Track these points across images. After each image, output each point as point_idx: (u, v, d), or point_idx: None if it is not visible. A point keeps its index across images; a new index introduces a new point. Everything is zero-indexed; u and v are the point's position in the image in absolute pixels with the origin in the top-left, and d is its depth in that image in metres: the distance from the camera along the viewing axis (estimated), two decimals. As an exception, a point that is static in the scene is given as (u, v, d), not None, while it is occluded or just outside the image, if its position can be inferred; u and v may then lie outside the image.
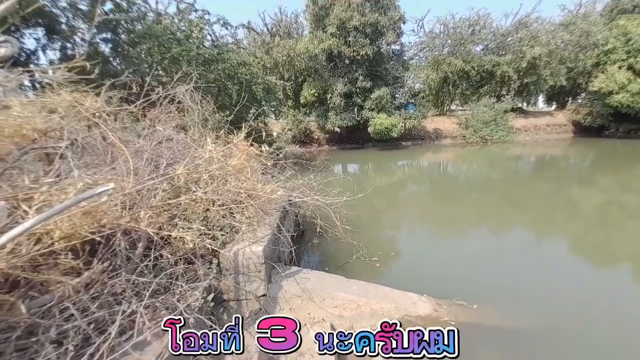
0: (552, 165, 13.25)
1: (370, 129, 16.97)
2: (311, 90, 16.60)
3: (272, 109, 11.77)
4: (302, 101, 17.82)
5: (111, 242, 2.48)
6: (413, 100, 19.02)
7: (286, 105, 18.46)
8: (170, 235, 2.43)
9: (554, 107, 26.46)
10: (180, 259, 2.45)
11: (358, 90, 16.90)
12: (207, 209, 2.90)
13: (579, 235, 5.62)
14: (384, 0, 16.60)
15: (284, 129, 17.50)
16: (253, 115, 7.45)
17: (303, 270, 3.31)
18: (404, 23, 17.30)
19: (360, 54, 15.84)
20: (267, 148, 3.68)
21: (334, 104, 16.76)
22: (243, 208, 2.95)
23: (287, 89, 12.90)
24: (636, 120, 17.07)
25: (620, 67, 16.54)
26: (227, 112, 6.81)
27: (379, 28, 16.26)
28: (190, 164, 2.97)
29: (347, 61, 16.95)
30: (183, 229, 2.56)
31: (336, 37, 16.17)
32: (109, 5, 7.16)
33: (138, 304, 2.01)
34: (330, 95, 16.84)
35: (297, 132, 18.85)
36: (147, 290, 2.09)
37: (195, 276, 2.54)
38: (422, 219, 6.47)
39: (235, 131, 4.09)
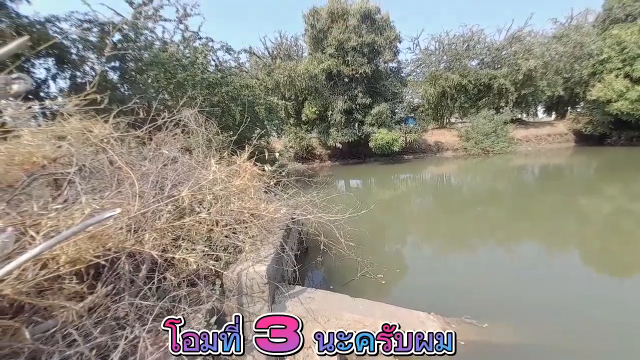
0: (556, 175, 13.16)
1: (371, 144, 17.13)
2: (312, 108, 16.96)
3: (274, 128, 12.00)
4: (303, 119, 18.17)
5: (115, 265, 2.50)
6: (413, 115, 19.28)
7: (288, 123, 18.80)
8: (174, 257, 2.44)
9: (553, 117, 26.63)
10: (184, 280, 2.45)
11: (358, 106, 17.23)
12: (211, 230, 2.92)
13: (588, 246, 5.51)
14: (379, 22, 17.26)
15: (286, 146, 17.74)
16: (257, 135, 7.61)
17: (307, 289, 3.27)
18: (399, 42, 17.89)
19: (359, 72, 16.29)
20: (270, 167, 3.72)
21: (335, 120, 17.05)
22: (246, 228, 2.96)
23: (289, 107, 13.21)
24: (638, 128, 17.07)
25: (617, 76, 16.75)
26: (231, 133, 6.98)
27: (376, 47, 16.80)
28: (194, 185, 3.03)
29: (346, 79, 17.41)
30: (187, 250, 2.57)
31: (335, 57, 16.70)
32: (117, 36, 7.55)
33: (141, 328, 2.00)
34: (331, 112, 17.17)
35: (299, 149, 19.09)
36: (150, 315, 2.09)
37: (198, 298, 2.52)
38: (427, 233, 6.39)
39: (238, 151, 4.20)
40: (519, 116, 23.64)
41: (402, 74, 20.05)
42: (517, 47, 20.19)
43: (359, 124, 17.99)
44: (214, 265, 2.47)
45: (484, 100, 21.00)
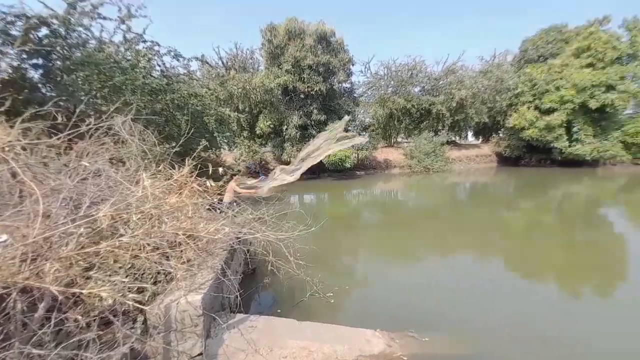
0: (483, 191, 14.97)
1: (325, 160, 17.47)
2: (267, 122, 16.79)
3: (225, 140, 11.50)
4: (257, 132, 17.83)
5: (4, 304, 2.02)
6: (364, 133, 20.34)
7: (241, 136, 18.28)
8: (82, 292, 2.04)
9: (480, 140, 30.58)
10: (95, 319, 2.05)
11: (313, 122, 17.56)
12: (136, 256, 2.56)
13: (513, 254, 6.20)
14: (334, 44, 18.13)
15: (237, 159, 17.14)
16: (202, 146, 7.16)
17: (249, 317, 3.03)
18: (352, 65, 18.97)
19: (314, 89, 16.74)
20: (212, 184, 3.45)
21: (290, 135, 17.08)
22: (181, 251, 2.66)
23: (242, 120, 12.84)
24: (544, 151, 20.48)
25: (528, 107, 20.04)
26: (174, 144, 6.44)
27: (331, 68, 17.53)
28: (119, 202, 2.65)
29: (302, 96, 17.71)
30: (102, 281, 2.18)
31: (291, 73, 16.95)
32: (45, 31, 6.59)
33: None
34: (286, 127, 17.18)
35: (252, 163, 18.55)
36: (44, 367, 1.69)
37: (114, 340, 2.13)
38: (375, 248, 6.59)
39: (182, 164, 3.84)
40: (453, 139, 26.59)
41: (354, 95, 21.15)
42: (451, 78, 22.94)
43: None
44: (133, 300, 2.12)
45: (425, 123, 23.20)
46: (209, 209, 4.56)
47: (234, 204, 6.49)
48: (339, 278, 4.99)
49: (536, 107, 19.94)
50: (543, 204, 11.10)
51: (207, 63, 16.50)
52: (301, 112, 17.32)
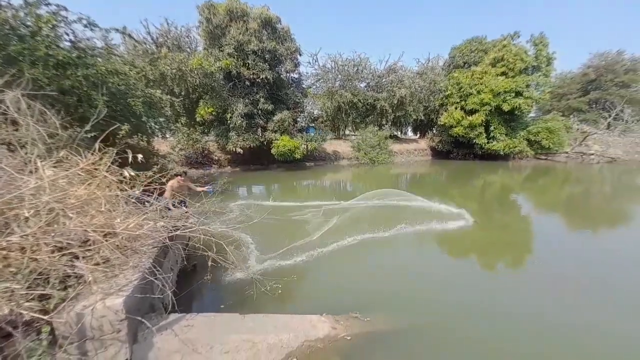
0: (421, 181, 16.50)
1: (274, 150, 17.09)
2: (208, 108, 15.57)
3: (158, 126, 10.32)
4: (198, 119, 16.45)
5: None
6: (313, 125, 20.45)
7: (179, 122, 16.64)
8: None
9: (417, 135, 33.47)
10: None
11: (260, 112, 16.94)
12: (34, 259, 2.09)
13: (443, 236, 6.92)
14: (280, 32, 17.61)
15: (174, 148, 15.65)
16: (123, 131, 6.30)
17: (185, 316, 2.78)
18: (300, 55, 18.71)
19: (261, 77, 16.08)
20: (131, 173, 3.02)
21: (235, 124, 16.19)
22: (95, 251, 2.25)
23: (177, 104, 11.60)
24: (469, 147, 23.39)
25: (456, 108, 22.54)
26: (90, 129, 5.54)
27: (277, 56, 17.02)
28: (3, 195, 2.12)
29: (247, 83, 16.86)
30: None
31: (234, 57, 15.97)
32: None
33: None
34: (230, 115, 16.21)
35: (192, 153, 17.16)
36: None
37: (16, 353, 1.72)
38: (322, 236, 6.69)
39: (101, 151, 3.26)
40: (395, 133, 28.56)
41: (303, 85, 21.00)
42: (393, 77, 24.39)
43: (261, 130, 17.69)
44: (29, 309, 1.73)
45: (370, 117, 24.34)
46: (138, 202, 4.03)
47: (183, 203, 5.89)
48: (286, 270, 4.94)
49: (462, 108, 22.54)
50: (466, 192, 12.75)
51: (132, 37, 14.48)
52: (247, 100, 16.52)
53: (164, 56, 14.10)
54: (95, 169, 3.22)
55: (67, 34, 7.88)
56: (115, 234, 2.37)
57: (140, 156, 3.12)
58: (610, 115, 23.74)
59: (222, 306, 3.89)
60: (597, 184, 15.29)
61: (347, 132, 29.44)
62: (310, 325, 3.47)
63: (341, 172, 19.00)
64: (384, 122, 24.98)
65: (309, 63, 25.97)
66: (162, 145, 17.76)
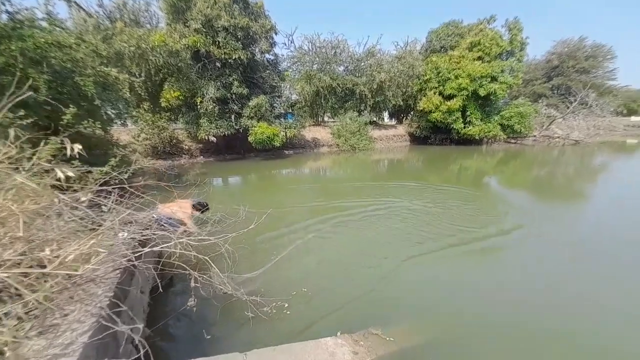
0: (401, 166, 16.40)
1: (251, 138, 15.89)
2: (174, 92, 13.90)
3: (116, 111, 8.85)
4: (163, 104, 14.72)
5: None
6: (291, 110, 19.36)
7: (141, 107, 14.81)
8: None
9: (394, 121, 33.46)
10: None
11: (234, 96, 15.52)
12: None
13: (432, 217, 6.53)
14: (253, 7, 16.05)
15: (137, 136, 13.94)
16: (69, 116, 5.11)
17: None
18: (275, 34, 17.28)
19: (233, 57, 14.59)
20: (69, 173, 2.07)
21: (206, 109, 14.69)
22: (14, 295, 1.37)
23: (137, 86, 10.06)
24: (446, 132, 23.64)
25: (434, 93, 22.48)
26: (28, 113, 4.32)
27: (251, 34, 15.53)
28: None
29: (218, 64, 15.28)
30: None
31: (202, 34, 14.28)
32: None
33: None
34: (200, 99, 14.65)
35: (159, 142, 15.45)
36: None
37: None
38: (319, 237, 6.01)
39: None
40: (374, 119, 28.20)
41: (279, 68, 19.63)
42: (372, 61, 23.69)
43: (236, 116, 16.31)
44: None
45: (349, 103, 23.63)
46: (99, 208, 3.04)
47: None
48: (287, 281, 4.20)
49: (440, 93, 22.54)
50: (443, 177, 12.88)
51: (79, 6, 12.34)
52: (219, 83, 15.01)
53: (119, 32, 12.18)
54: (16, 168, 2.21)
55: (4, 4, 6.31)
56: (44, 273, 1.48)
57: (77, 147, 2.16)
58: (575, 100, 25.10)
59: (208, 337, 3.10)
60: (562, 165, 16.11)
61: (325, 118, 28.59)
62: (328, 353, 2.81)
63: (322, 159, 18.31)
64: (362, 108, 24.42)
65: (285, 44, 24.48)
66: (123, 134, 15.84)
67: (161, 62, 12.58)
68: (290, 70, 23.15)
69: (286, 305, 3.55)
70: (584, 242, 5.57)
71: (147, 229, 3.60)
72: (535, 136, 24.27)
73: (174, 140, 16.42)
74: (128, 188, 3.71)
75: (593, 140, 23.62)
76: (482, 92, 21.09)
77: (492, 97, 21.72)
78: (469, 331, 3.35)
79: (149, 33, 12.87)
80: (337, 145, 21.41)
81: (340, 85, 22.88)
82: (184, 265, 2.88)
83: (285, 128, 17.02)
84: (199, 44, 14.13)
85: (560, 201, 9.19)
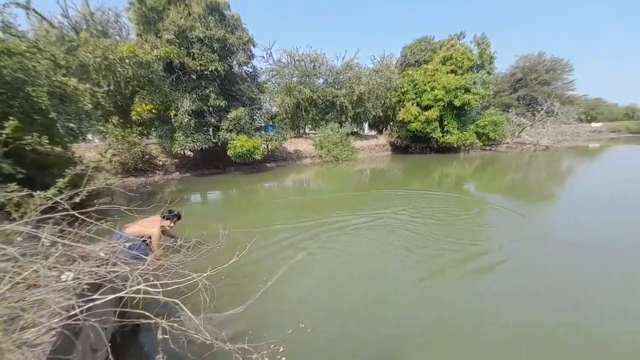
0: (383, 176, 16.33)
1: (230, 152, 15.19)
2: (146, 105, 13.05)
3: (76, 126, 8.00)
4: (134, 118, 13.76)
5: None
6: (272, 123, 18.95)
7: (110, 122, 13.79)
8: None
9: (374, 132, 34.00)
10: None
11: (211, 109, 14.87)
12: None
13: (421, 225, 6.24)
14: (230, 19, 15.74)
15: (104, 152, 12.88)
16: (9, 129, 4.43)
17: None
18: (254, 46, 16.99)
19: (210, 69, 14.04)
20: None
21: (181, 123, 13.91)
22: None
23: (102, 97, 9.22)
24: (425, 141, 24.16)
25: (412, 104, 23.02)
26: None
27: (228, 46, 15.13)
28: None
29: (193, 76, 14.65)
30: None
31: (175, 45, 13.69)
32: None
33: None
34: (174, 112, 13.88)
35: (129, 158, 14.38)
36: None
37: None
38: (310, 252, 5.49)
39: None
40: (355, 130, 28.38)
41: (258, 80, 19.28)
42: (351, 74, 24.02)
43: (214, 129, 15.61)
44: None
45: (330, 114, 23.64)
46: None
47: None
48: (275, 318, 3.61)
49: (418, 104, 23.13)
50: (425, 184, 13.00)
51: (39, 15, 11.44)
52: (194, 96, 14.34)
53: (84, 42, 11.36)
54: None
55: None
56: None
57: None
58: (542, 109, 26.68)
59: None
60: (535, 170, 16.77)
61: (307, 130, 28.44)
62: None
63: (305, 171, 17.89)
64: (343, 119, 24.50)
65: (263, 57, 24.27)
66: (90, 151, 14.63)
67: (130, 74, 11.80)
68: (270, 82, 22.91)
69: (281, 349, 2.95)
70: (568, 241, 5.48)
71: (104, 264, 2.97)
72: (508, 143, 25.37)
73: (147, 156, 15.39)
74: (78, 216, 3.07)
75: (561, 145, 25.08)
76: (457, 103, 21.86)
77: (466, 107, 22.56)
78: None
79: (116, 44, 12.10)
80: (320, 156, 21.15)
81: (321, 97, 22.89)
82: (147, 314, 2.28)
83: (267, 140, 16.51)
84: (172, 55, 13.50)
85: (538, 201, 9.51)
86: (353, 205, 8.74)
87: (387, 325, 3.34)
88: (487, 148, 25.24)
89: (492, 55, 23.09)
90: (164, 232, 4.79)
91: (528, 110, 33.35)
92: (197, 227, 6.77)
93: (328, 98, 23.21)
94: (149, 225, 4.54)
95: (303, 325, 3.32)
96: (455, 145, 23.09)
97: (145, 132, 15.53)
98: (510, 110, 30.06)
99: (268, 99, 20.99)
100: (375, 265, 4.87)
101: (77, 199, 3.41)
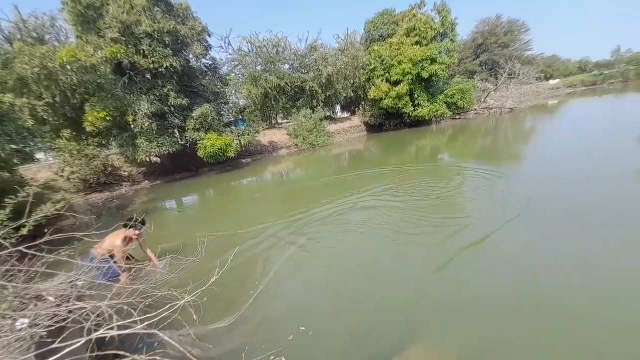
0: (361, 157, 16.38)
1: (201, 152, 14.45)
2: (99, 113, 11.92)
3: (21, 146, 7.14)
4: (89, 129, 12.61)
5: None
6: (242, 117, 18.16)
7: (62, 136, 12.60)
8: None
9: (348, 114, 33.72)
10: None
11: (173, 109, 13.92)
12: None
13: (405, 198, 6.26)
14: (178, 9, 14.52)
15: (61, 171, 11.82)
16: None
17: None
18: (209, 36, 15.88)
19: (164, 66, 12.99)
20: None
21: (142, 128, 12.92)
22: None
23: (44, 111, 8.27)
24: (399, 117, 24.30)
25: (382, 81, 22.87)
26: None
27: (181, 38, 14.02)
28: None
29: (148, 75, 13.54)
30: None
31: (122, 43, 12.47)
32: None
33: None
34: (132, 117, 12.84)
35: (90, 173, 13.29)
36: None
37: None
38: (300, 247, 5.30)
39: None
40: (328, 114, 27.96)
41: (221, 73, 18.22)
42: (316, 56, 23.30)
43: (179, 131, 14.70)
44: None
45: (301, 101, 23.02)
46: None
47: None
48: (273, 324, 3.41)
49: (387, 80, 23.01)
50: (402, 159, 13.27)
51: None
52: (152, 97, 13.30)
53: (19, 53, 10.09)
54: None
55: None
56: None
57: None
58: (504, 72, 27.53)
59: None
60: (503, 133, 17.46)
61: (279, 120, 27.69)
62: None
63: (283, 162, 17.51)
64: (315, 104, 23.99)
65: (222, 47, 22.91)
66: (43, 172, 13.38)
67: (75, 81, 10.66)
68: (233, 74, 21.79)
69: (283, 359, 2.77)
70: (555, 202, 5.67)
71: (67, 300, 2.63)
72: (476, 109, 26.12)
73: (109, 168, 14.29)
74: (25, 251, 2.66)
75: (525, 105, 26.20)
76: (425, 75, 21.96)
77: (434, 79, 22.77)
78: None
79: (54, 50, 10.81)
80: (296, 145, 20.73)
81: (289, 84, 22.15)
82: (122, 353, 2.00)
83: (239, 136, 15.82)
84: (119, 55, 12.30)
85: (511, 160, 10.12)
86: (336, 191, 8.60)
87: (392, 315, 3.25)
88: (457, 117, 25.86)
89: (453, 22, 23.17)
90: (131, 242, 4.41)
91: (491, 75, 34.33)
92: (176, 237, 6.37)
93: (296, 84, 22.51)
94: (112, 241, 4.18)
95: (304, 329, 3.09)
96: (427, 118, 23.42)
97: (104, 142, 14.34)
98: (475, 76, 30.78)
99: (234, 91, 19.99)
100: (370, 252, 4.72)
101: (24, 231, 2.98)
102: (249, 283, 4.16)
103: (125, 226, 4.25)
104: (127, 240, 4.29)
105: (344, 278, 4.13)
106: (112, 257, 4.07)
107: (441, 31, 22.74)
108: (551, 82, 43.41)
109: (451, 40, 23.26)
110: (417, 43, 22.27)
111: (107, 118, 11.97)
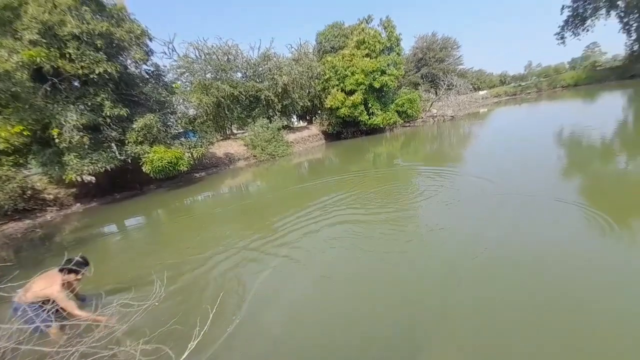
0: (322, 165, 16.38)
1: (146, 168, 12.95)
2: (13, 127, 9.92)
3: None
4: (1, 147, 10.44)
5: None
6: (192, 127, 16.90)
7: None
8: None
9: (304, 123, 33.81)
10: None
11: (109, 120, 12.29)
12: None
13: (363, 201, 6.27)
14: (112, 9, 13.04)
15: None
16: None
17: None
18: (150, 40, 14.55)
19: (97, 71, 11.44)
20: None
21: (71, 142, 11.12)
22: None
23: None
24: (355, 125, 25.06)
25: (337, 90, 23.44)
26: None
27: (116, 41, 12.58)
28: None
29: (75, 82, 11.81)
30: None
31: (42, 46, 10.71)
32: None
33: None
34: (57, 130, 10.98)
35: (4, 199, 10.97)
36: None
37: None
38: (274, 266, 4.82)
39: None
40: (286, 123, 27.66)
41: (165, 80, 16.78)
42: (270, 64, 23.01)
43: (117, 144, 13.00)
44: None
45: (256, 110, 22.38)
46: None
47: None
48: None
49: (342, 89, 23.67)
50: (361, 167, 13.47)
51: None
52: (82, 106, 11.59)
53: None
54: None
55: None
56: None
57: None
58: (444, 84, 30.38)
59: None
60: (447, 137, 19.10)
61: (234, 130, 26.54)
62: None
63: (242, 174, 16.64)
64: (271, 114, 23.55)
65: (165, 53, 21.29)
66: None
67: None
68: (180, 81, 20.32)
69: None
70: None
71: None
72: (422, 117, 28.25)
73: (29, 191, 11.98)
74: None
75: (462, 113, 29.16)
76: (376, 85, 23.10)
77: (385, 89, 24.06)
78: None
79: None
80: (255, 156, 19.96)
81: (243, 93, 21.41)
82: None
83: (190, 148, 14.62)
84: (39, 59, 10.51)
85: (459, 160, 10.95)
86: (300, 202, 8.27)
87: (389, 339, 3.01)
88: (407, 124, 27.65)
89: (398, 37, 24.93)
90: (71, 289, 3.54)
91: (432, 87, 37.70)
92: (122, 270, 5.40)
93: (251, 93, 21.86)
94: (46, 285, 3.28)
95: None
96: (381, 126, 24.56)
97: (21, 161, 12.02)
98: (418, 87, 33.45)
99: (182, 100, 18.57)
100: (350, 267, 4.41)
101: None
102: (223, 318, 3.56)
103: (61, 270, 3.38)
104: (66, 286, 3.42)
105: (328, 302, 3.75)
106: (43, 303, 3.19)
107: (388, 45, 24.26)
108: (480, 92, 49.30)
109: (397, 53, 24.95)
110: (367, 55, 23.39)
111: (25, 132, 10.04)
